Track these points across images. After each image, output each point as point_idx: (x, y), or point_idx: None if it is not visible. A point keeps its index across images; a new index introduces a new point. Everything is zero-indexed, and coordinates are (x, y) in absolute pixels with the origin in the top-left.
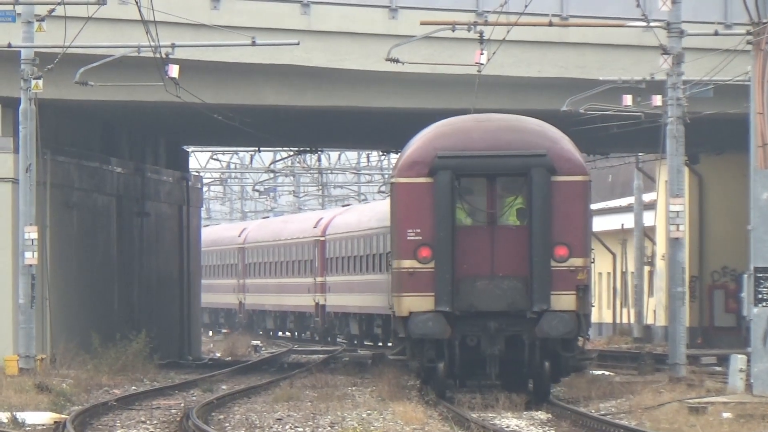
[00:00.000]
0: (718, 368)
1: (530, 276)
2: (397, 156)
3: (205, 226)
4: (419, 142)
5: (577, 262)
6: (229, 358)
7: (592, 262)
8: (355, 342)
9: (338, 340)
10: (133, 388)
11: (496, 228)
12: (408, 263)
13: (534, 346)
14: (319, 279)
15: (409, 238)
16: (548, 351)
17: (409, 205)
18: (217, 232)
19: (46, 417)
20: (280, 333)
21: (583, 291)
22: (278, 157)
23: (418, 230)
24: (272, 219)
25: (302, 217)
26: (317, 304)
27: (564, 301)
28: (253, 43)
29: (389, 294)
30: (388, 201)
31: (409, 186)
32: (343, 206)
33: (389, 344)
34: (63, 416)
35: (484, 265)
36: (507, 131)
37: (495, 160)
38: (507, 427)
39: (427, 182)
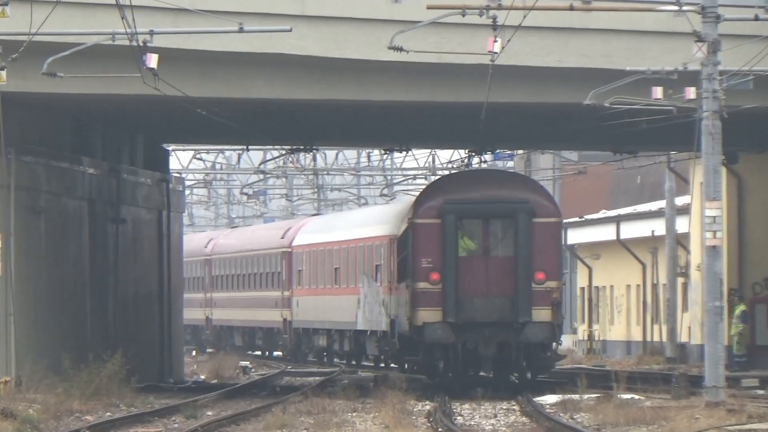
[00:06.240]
0: (760, 392)
1: (516, 295)
2: (414, 199)
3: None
4: (432, 192)
5: (552, 284)
6: (215, 380)
7: (563, 284)
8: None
9: (226, 349)
10: (108, 414)
11: (490, 257)
12: (422, 285)
13: (519, 349)
14: (208, 294)
15: (423, 265)
16: (530, 353)
17: (423, 240)
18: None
19: None
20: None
21: (557, 306)
22: (269, 156)
23: (430, 259)
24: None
25: (196, 237)
26: (207, 318)
27: (542, 314)
28: (241, 30)
29: (407, 308)
30: (276, 223)
31: (424, 225)
32: (232, 228)
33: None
34: None
35: (480, 286)
36: (498, 183)
37: (489, 206)
38: None
39: (437, 222)
